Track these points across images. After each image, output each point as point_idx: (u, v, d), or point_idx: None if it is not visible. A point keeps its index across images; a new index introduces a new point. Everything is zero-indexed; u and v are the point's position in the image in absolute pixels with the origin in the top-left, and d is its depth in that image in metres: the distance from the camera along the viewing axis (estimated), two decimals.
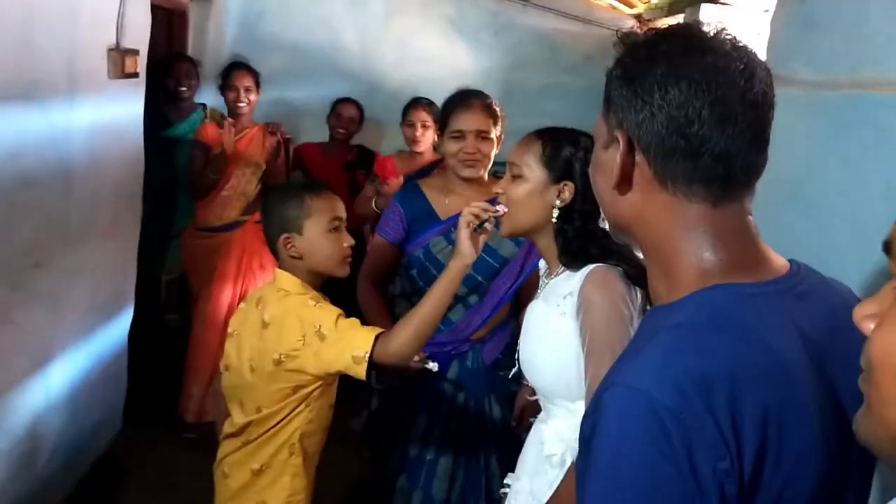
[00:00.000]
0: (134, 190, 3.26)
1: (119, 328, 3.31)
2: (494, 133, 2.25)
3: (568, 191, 1.58)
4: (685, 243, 0.87)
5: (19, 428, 2.51)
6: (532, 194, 1.60)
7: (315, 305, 1.79)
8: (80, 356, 2.92)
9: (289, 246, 1.86)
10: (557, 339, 1.49)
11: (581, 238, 1.55)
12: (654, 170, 0.87)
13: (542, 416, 1.62)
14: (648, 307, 1.44)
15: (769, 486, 0.78)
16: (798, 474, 0.80)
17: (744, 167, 0.87)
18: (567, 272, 1.55)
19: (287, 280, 1.87)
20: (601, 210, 1.00)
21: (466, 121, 2.20)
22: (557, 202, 1.58)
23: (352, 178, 3.73)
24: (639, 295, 1.48)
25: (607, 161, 0.92)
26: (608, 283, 1.45)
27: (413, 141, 3.45)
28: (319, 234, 1.85)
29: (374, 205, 3.16)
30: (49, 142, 2.48)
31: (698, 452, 0.74)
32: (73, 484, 3.01)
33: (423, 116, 3.45)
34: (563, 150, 1.59)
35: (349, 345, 1.71)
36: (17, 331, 2.40)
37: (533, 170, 1.60)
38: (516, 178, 1.62)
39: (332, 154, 3.99)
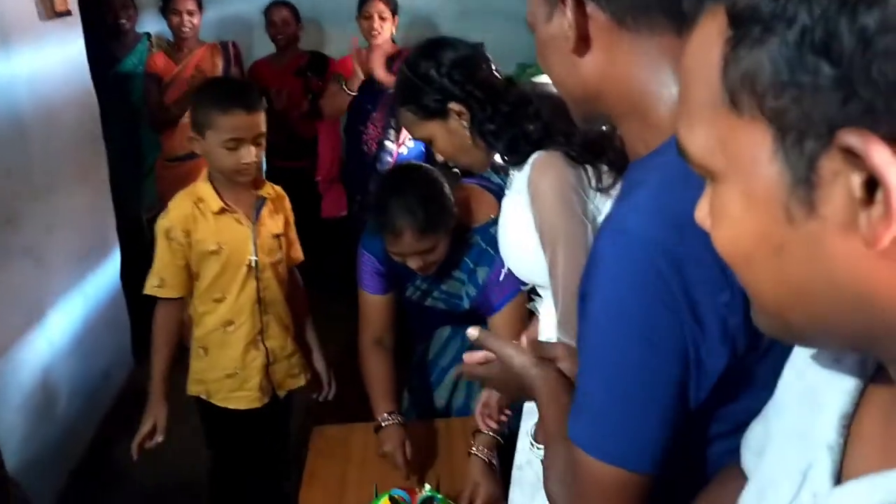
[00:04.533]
0: (93, 132, 3.21)
1: (109, 272, 3.33)
2: (434, 244, 1.83)
3: (458, 112, 1.56)
4: (657, 85, 0.83)
5: (28, 382, 2.56)
6: (449, 141, 1.60)
7: (164, 218, 1.99)
8: (75, 304, 2.95)
9: (193, 142, 1.95)
10: (523, 230, 1.47)
11: (508, 128, 1.51)
12: (609, 12, 0.83)
13: (538, 302, 1.64)
14: (604, 181, 1.42)
15: None
16: None
17: None
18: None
19: (203, 173, 2.04)
20: (564, 96, 0.93)
21: (399, 246, 1.83)
22: (464, 124, 1.56)
23: (305, 83, 3.67)
24: (589, 173, 1.43)
25: (555, 31, 0.87)
26: (552, 169, 1.41)
27: (370, 34, 3.39)
28: (216, 146, 1.91)
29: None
30: None
31: (695, 288, 0.73)
32: (95, 424, 3.11)
33: (381, 8, 3.39)
34: (421, 94, 1.57)
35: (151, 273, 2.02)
36: (4, 289, 2.42)
37: (426, 128, 1.61)
38: (428, 141, 1.64)
39: (282, 64, 3.90)
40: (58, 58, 2.91)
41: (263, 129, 1.95)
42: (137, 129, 3.72)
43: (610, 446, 0.78)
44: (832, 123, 0.42)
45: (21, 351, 2.51)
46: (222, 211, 1.99)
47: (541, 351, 1.08)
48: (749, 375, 0.78)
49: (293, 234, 2.18)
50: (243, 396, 2.12)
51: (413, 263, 1.84)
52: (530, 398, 1.04)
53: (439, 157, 1.67)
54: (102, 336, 3.20)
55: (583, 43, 0.84)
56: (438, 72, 1.55)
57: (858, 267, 0.43)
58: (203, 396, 2.13)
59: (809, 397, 0.57)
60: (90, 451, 2.99)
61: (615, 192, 1.41)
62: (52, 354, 2.74)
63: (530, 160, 1.45)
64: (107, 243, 3.31)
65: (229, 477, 2.28)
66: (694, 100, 0.51)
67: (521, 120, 1.49)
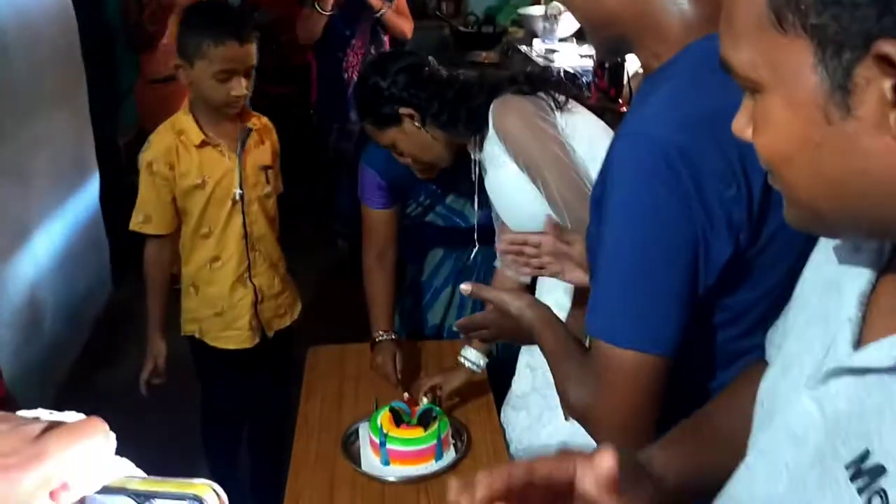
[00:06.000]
0: (72, 50, 3.16)
1: (88, 195, 3.31)
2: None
3: (409, 115, 1.71)
4: (666, 2, 0.90)
5: (16, 297, 2.58)
6: (408, 143, 1.75)
7: (147, 151, 1.96)
8: (57, 226, 2.95)
9: (179, 71, 1.91)
10: (514, 185, 1.54)
11: (460, 105, 1.65)
12: None
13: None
14: (566, 105, 1.55)
15: (774, 220, 0.83)
16: None
17: None
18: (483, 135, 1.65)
19: (185, 104, 1.99)
20: (583, 24, 1.00)
21: None
22: (416, 124, 1.72)
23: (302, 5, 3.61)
24: (547, 98, 1.55)
25: None
26: (509, 106, 1.54)
27: None
28: (206, 77, 1.86)
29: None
30: None
31: (705, 182, 0.80)
32: (79, 345, 3.14)
33: None
34: (374, 105, 1.73)
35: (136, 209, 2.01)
36: None
37: (386, 135, 1.76)
38: (391, 147, 1.78)
39: None
40: None
41: (255, 60, 1.91)
42: (113, 50, 3.63)
43: (629, 332, 0.86)
44: (868, 36, 0.49)
45: (9, 267, 2.52)
46: (203, 144, 1.94)
47: (562, 234, 1.24)
48: (748, 268, 0.87)
49: (277, 165, 2.14)
50: (233, 336, 2.09)
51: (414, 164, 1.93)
52: (528, 339, 1.12)
53: (404, 161, 1.80)
54: (84, 258, 3.21)
55: None
56: (385, 81, 1.73)
57: (888, 160, 0.51)
58: (196, 335, 2.10)
59: (831, 284, 0.65)
60: (74, 370, 3.03)
61: (573, 106, 1.57)
62: (38, 273, 2.75)
63: (490, 116, 1.57)
64: (86, 166, 3.29)
65: (222, 420, 2.29)
66: (739, 20, 0.57)
67: (469, 98, 1.65)
